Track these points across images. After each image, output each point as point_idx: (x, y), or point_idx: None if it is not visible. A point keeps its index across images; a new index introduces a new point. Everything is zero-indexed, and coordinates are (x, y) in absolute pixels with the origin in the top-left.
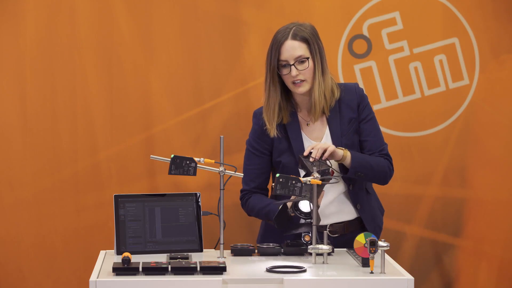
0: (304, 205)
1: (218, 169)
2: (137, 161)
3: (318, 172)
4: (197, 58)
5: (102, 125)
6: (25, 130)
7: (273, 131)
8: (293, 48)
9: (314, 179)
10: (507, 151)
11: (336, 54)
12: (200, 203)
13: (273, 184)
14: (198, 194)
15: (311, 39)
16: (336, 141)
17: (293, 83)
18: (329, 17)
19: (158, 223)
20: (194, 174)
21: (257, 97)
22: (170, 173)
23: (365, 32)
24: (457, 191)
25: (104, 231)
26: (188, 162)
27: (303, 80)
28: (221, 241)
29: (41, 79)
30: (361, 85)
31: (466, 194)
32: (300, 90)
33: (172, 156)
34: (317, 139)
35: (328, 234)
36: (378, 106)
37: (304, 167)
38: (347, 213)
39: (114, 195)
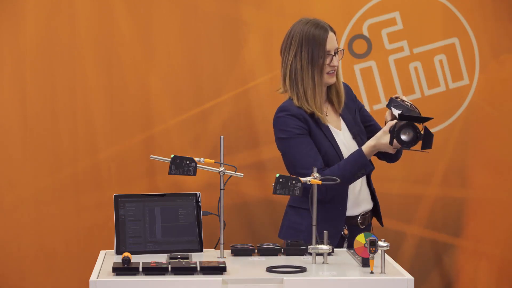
0: (406, 135)
1: (218, 169)
2: (137, 161)
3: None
4: (197, 58)
5: (102, 125)
6: (25, 130)
7: (325, 118)
8: (333, 40)
9: (314, 179)
10: (507, 151)
11: None
12: (200, 203)
13: (273, 184)
14: (198, 194)
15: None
16: (352, 129)
17: (328, 73)
18: (329, 17)
19: (158, 223)
20: (194, 174)
21: (257, 97)
22: (170, 173)
23: (365, 32)
24: (457, 191)
25: (104, 231)
26: (188, 162)
27: (335, 71)
28: (221, 241)
29: (41, 79)
30: (361, 85)
31: (466, 194)
32: (332, 80)
33: (172, 156)
34: (337, 127)
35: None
36: (378, 106)
37: (398, 107)
38: (368, 202)
39: (114, 195)
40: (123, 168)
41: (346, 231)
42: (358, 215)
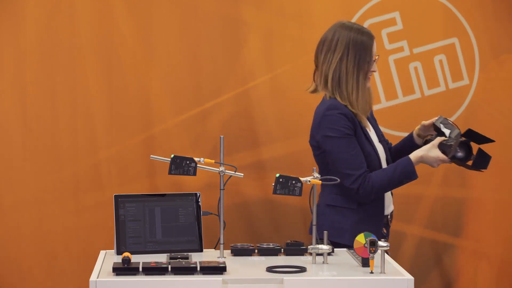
0: (461, 152)
1: (218, 169)
2: (137, 161)
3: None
4: (197, 58)
5: (102, 125)
6: (25, 130)
7: (366, 120)
8: (375, 47)
9: (314, 179)
10: (507, 151)
11: None
12: (200, 203)
13: (273, 184)
14: (198, 194)
15: None
16: (377, 132)
17: (368, 77)
18: (329, 17)
19: (158, 223)
20: (194, 174)
21: (257, 97)
22: (170, 173)
23: None
24: (457, 191)
25: (104, 231)
26: (188, 162)
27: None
28: (221, 241)
29: (41, 79)
30: None
31: (466, 194)
32: (369, 84)
33: (172, 156)
34: (369, 130)
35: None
36: (378, 106)
37: (448, 126)
38: (392, 201)
39: (114, 195)
40: (123, 168)
41: (385, 230)
42: (388, 215)
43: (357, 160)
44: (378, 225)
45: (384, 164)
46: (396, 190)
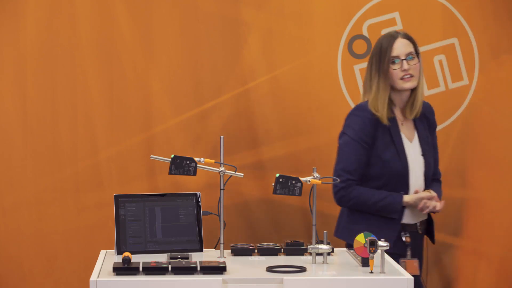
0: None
1: (218, 169)
2: (137, 161)
3: None
4: (197, 58)
5: (102, 125)
6: (25, 130)
7: (385, 119)
8: (404, 45)
9: (314, 179)
10: (507, 151)
11: (336, 54)
12: (200, 203)
13: (273, 184)
14: (198, 194)
15: (415, 43)
16: (423, 145)
17: (402, 78)
18: (329, 17)
19: (158, 223)
20: (194, 174)
21: (257, 97)
22: (170, 173)
23: (365, 33)
24: (456, 191)
25: (104, 231)
26: (188, 162)
27: (412, 76)
28: (221, 241)
29: (42, 79)
30: (361, 85)
31: (466, 194)
32: (409, 85)
33: (172, 156)
34: (410, 139)
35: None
36: None
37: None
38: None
39: (114, 195)
40: (123, 168)
41: (408, 239)
42: (417, 223)
43: (353, 165)
44: (392, 231)
45: (412, 178)
46: None
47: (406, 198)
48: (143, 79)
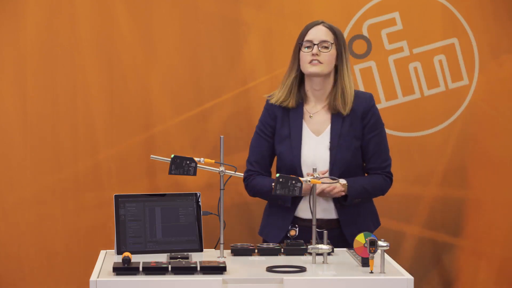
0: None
1: (218, 169)
2: (137, 161)
3: None
4: (197, 58)
5: (102, 125)
6: (25, 130)
7: (292, 102)
8: (321, 32)
9: (314, 179)
10: (507, 151)
11: None
12: (200, 203)
13: (273, 184)
14: (198, 194)
15: (339, 35)
16: (333, 139)
17: (310, 62)
18: (329, 17)
19: (158, 223)
20: (194, 174)
21: (257, 97)
22: (170, 173)
23: (365, 33)
24: (457, 191)
25: (104, 231)
26: (188, 162)
27: (321, 63)
28: (221, 241)
29: (42, 79)
30: (361, 86)
31: (466, 194)
32: (313, 69)
33: (172, 156)
34: (316, 132)
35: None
36: (378, 106)
37: None
38: (329, 211)
39: (114, 195)
40: (123, 168)
41: (293, 232)
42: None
43: (254, 157)
44: (285, 223)
45: (306, 172)
46: (395, 190)
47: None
48: (143, 79)
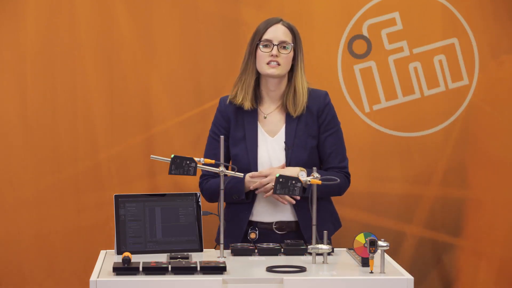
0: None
1: (218, 169)
2: (137, 161)
3: None
4: (197, 58)
5: (102, 125)
6: (25, 130)
7: (248, 104)
8: (281, 32)
9: (314, 179)
10: (507, 151)
11: (336, 54)
12: (200, 203)
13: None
14: (198, 194)
15: (297, 35)
16: (288, 140)
17: (268, 63)
18: (329, 17)
19: (158, 223)
20: (194, 174)
21: None
22: (170, 173)
23: (365, 33)
24: (457, 191)
25: (104, 231)
26: (188, 162)
27: (279, 64)
28: (221, 241)
29: (42, 79)
30: (361, 86)
31: (466, 194)
32: (272, 71)
33: (172, 156)
34: (271, 133)
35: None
36: (378, 106)
37: None
38: (287, 213)
39: (114, 195)
40: (123, 168)
41: (253, 235)
42: (272, 222)
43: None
44: (239, 228)
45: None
46: (395, 190)
47: (248, 176)
48: (143, 79)
